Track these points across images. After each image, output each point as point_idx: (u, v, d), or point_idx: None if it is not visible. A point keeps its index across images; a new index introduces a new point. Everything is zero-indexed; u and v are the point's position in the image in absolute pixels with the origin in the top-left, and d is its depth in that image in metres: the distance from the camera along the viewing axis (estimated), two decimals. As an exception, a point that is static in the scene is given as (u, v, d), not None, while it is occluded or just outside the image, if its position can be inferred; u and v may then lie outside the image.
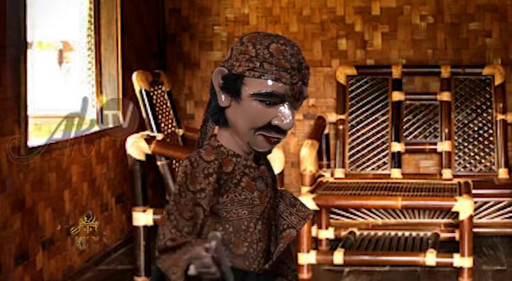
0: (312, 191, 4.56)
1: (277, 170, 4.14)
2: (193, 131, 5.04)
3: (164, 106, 4.76)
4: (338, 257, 4.38)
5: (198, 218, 1.69)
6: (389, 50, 5.77)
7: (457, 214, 4.39)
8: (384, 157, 5.47)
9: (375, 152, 5.48)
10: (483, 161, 5.42)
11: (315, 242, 4.86)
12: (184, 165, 1.70)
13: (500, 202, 5.05)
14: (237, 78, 1.72)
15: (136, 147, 4.26)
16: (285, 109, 1.73)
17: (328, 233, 4.95)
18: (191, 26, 5.90)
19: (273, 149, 1.79)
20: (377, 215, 5.11)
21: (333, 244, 4.86)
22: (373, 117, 5.54)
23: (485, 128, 5.45)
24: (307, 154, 4.70)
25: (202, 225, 1.69)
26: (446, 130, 5.48)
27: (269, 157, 1.88)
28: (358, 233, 4.97)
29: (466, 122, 5.49)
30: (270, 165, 1.88)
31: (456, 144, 5.47)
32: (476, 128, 5.47)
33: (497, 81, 5.50)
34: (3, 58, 3.61)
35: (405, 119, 5.54)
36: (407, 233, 4.96)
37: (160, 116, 4.65)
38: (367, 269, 4.54)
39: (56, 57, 5.35)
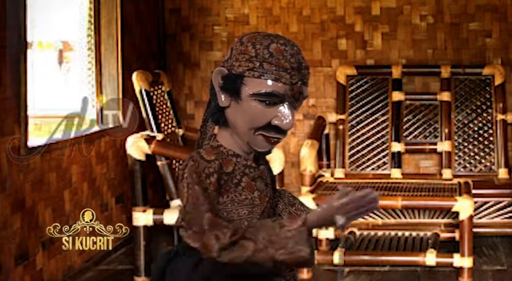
0: (312, 191, 4.56)
1: (277, 170, 4.14)
2: (193, 131, 5.04)
3: (164, 106, 4.76)
4: (338, 257, 4.38)
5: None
6: (389, 50, 5.77)
7: (457, 214, 4.38)
8: (384, 157, 5.47)
9: (375, 152, 5.48)
10: (483, 161, 5.42)
11: (315, 242, 4.86)
12: (190, 165, 1.69)
13: (500, 202, 5.05)
14: (236, 78, 1.72)
15: (137, 147, 4.26)
16: (284, 109, 1.73)
17: (328, 233, 4.95)
18: (191, 26, 5.91)
19: (272, 149, 1.79)
20: (377, 215, 5.11)
21: (333, 244, 4.86)
22: (373, 117, 5.54)
23: (485, 128, 5.45)
24: (307, 154, 4.70)
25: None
26: (446, 130, 5.48)
27: (269, 157, 1.88)
28: (358, 233, 4.97)
29: (466, 122, 5.49)
30: (268, 165, 1.89)
31: (456, 144, 5.47)
32: (476, 128, 5.47)
33: (497, 81, 5.50)
34: (3, 58, 3.61)
35: (405, 119, 5.54)
36: (407, 233, 4.96)
37: (160, 116, 4.65)
38: (367, 269, 4.54)
39: (56, 57, 5.34)
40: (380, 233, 4.98)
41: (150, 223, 4.30)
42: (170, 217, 4.22)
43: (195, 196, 1.64)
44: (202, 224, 1.62)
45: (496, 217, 5.06)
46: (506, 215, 5.06)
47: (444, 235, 4.93)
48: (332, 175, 5.37)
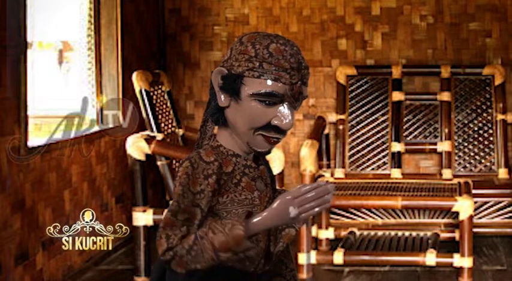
0: (312, 191, 4.55)
1: (277, 170, 4.14)
2: (193, 131, 5.04)
3: (164, 106, 4.76)
4: (338, 257, 4.38)
5: (196, 218, 1.69)
6: (389, 50, 5.77)
7: (457, 214, 4.39)
8: (384, 157, 5.47)
9: (375, 152, 5.48)
10: (483, 161, 5.42)
11: (315, 242, 4.86)
12: (185, 166, 1.69)
13: (500, 202, 5.05)
14: (236, 78, 1.72)
15: (136, 147, 4.26)
16: (284, 109, 1.73)
17: (328, 233, 4.95)
18: (191, 26, 5.91)
19: (272, 149, 1.79)
20: (377, 215, 5.11)
21: (333, 244, 4.86)
22: (373, 117, 5.54)
23: (485, 128, 5.45)
24: (307, 154, 4.70)
25: (199, 225, 1.69)
26: (446, 130, 5.48)
27: (269, 157, 1.88)
28: (358, 233, 4.97)
29: (466, 122, 5.49)
30: (268, 165, 1.89)
31: (456, 144, 5.47)
32: (476, 128, 5.47)
33: (497, 81, 5.50)
34: (3, 58, 3.61)
35: (405, 119, 5.55)
36: (407, 233, 4.96)
37: (160, 116, 4.65)
38: (367, 269, 4.54)
39: (56, 57, 5.34)
40: (380, 233, 4.98)
41: (150, 223, 4.30)
42: (170, 217, 4.22)
43: (175, 194, 1.68)
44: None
45: (496, 217, 5.06)
46: (506, 215, 5.06)
47: (444, 235, 4.93)
48: (332, 175, 5.37)
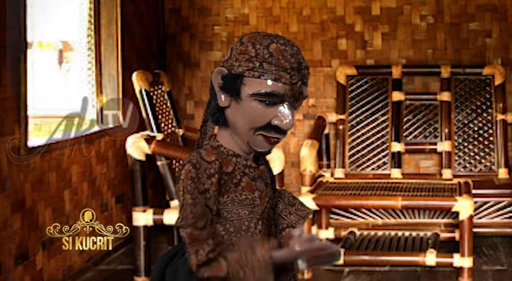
0: (312, 191, 4.56)
1: (277, 170, 4.14)
2: (193, 131, 5.04)
3: (164, 106, 4.76)
4: (338, 257, 4.38)
5: (207, 220, 1.69)
6: (389, 50, 5.77)
7: (457, 214, 4.39)
8: (384, 157, 5.47)
9: (375, 152, 5.48)
10: (483, 161, 5.42)
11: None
12: (188, 169, 1.68)
13: (500, 202, 5.05)
14: (236, 78, 1.72)
15: (136, 147, 4.26)
16: (284, 109, 1.73)
17: (328, 233, 4.95)
18: (191, 26, 5.91)
19: (272, 149, 1.79)
20: (377, 215, 5.11)
21: (333, 244, 4.86)
22: (373, 117, 5.54)
23: (485, 128, 5.45)
24: (307, 154, 4.70)
25: (210, 225, 1.69)
26: (446, 130, 5.48)
27: (269, 157, 1.88)
28: (358, 233, 4.97)
29: (466, 122, 5.49)
30: (268, 165, 1.89)
31: (456, 144, 5.47)
32: (476, 128, 5.47)
33: (497, 81, 5.50)
34: (3, 58, 3.61)
35: (405, 119, 5.55)
36: (407, 233, 4.96)
37: (160, 116, 4.65)
38: (367, 269, 4.54)
39: (56, 57, 5.34)
40: (380, 233, 4.98)
41: (150, 223, 4.30)
42: (170, 217, 4.22)
43: (185, 204, 1.68)
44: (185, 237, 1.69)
45: (496, 217, 5.06)
46: (506, 215, 5.06)
47: (444, 235, 4.93)
48: (332, 175, 5.37)
